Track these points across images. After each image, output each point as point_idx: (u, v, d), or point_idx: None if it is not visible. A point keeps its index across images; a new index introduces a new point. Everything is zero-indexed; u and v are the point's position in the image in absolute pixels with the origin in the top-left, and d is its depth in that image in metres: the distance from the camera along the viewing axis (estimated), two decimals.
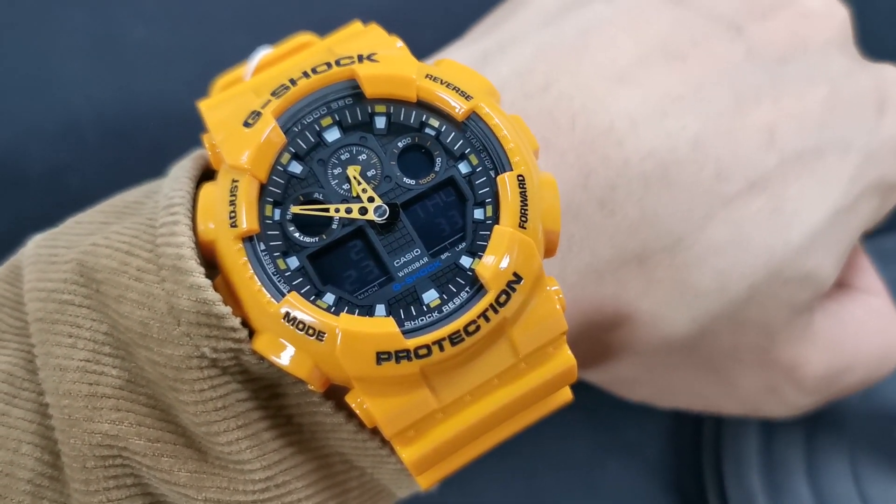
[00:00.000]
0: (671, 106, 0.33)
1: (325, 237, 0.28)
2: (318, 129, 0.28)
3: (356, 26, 0.31)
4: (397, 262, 0.27)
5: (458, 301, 0.27)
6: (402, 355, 0.26)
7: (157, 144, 0.49)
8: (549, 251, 0.28)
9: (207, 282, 0.27)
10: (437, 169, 0.28)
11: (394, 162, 0.28)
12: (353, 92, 0.29)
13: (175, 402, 0.27)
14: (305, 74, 0.28)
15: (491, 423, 0.28)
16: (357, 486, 0.31)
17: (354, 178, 0.28)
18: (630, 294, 0.33)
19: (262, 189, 0.28)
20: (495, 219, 0.28)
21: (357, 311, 0.27)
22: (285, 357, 0.26)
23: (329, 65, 0.29)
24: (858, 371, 0.37)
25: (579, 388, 0.29)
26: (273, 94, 0.28)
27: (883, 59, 0.39)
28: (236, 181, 0.27)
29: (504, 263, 0.27)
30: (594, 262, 0.32)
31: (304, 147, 0.28)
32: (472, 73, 0.30)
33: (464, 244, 0.28)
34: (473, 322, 0.26)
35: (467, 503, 0.45)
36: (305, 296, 0.27)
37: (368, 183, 0.28)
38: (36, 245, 0.30)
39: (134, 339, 0.27)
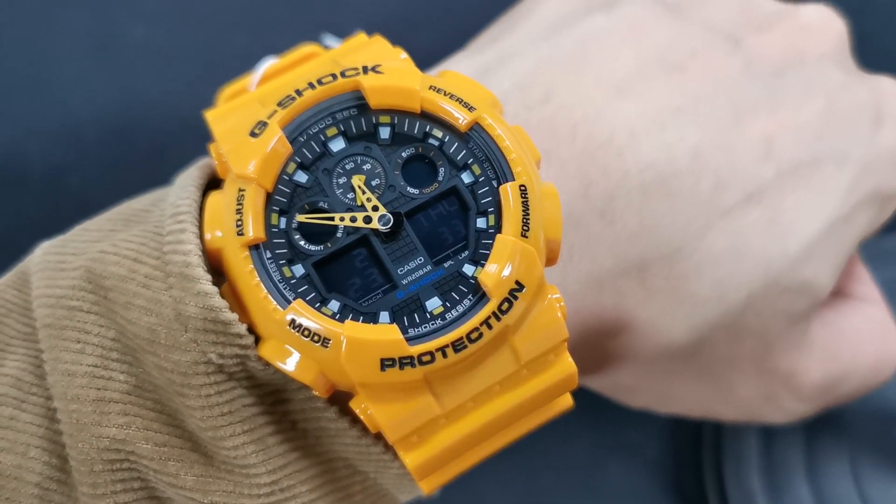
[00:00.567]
0: (670, 118, 0.33)
1: (329, 245, 0.28)
2: (323, 139, 0.29)
3: (361, 38, 0.32)
4: (401, 270, 0.28)
5: (460, 309, 0.27)
6: (405, 362, 0.26)
7: (156, 144, 0.49)
8: (551, 260, 0.29)
9: (214, 289, 0.27)
10: (440, 178, 0.29)
11: (398, 171, 0.29)
12: (358, 103, 0.29)
13: (182, 407, 0.28)
14: (311, 85, 0.29)
15: (493, 428, 0.28)
16: (360, 491, 0.31)
17: (359, 187, 0.28)
18: (629, 303, 0.33)
19: (269, 198, 0.28)
20: (497, 228, 0.28)
21: (361, 318, 0.27)
22: (291, 363, 0.27)
23: (334, 76, 0.29)
24: (855, 379, 0.37)
25: (579, 389, 0.30)
26: (279, 104, 0.29)
27: (880, 68, 0.39)
28: (243, 190, 0.27)
29: (506, 272, 0.27)
30: (594, 271, 0.33)
31: (310, 157, 0.29)
32: (475, 85, 0.30)
33: (466, 253, 0.28)
34: (476, 329, 0.27)
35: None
36: (311, 303, 0.27)
37: (373, 192, 0.28)
38: (44, 252, 0.30)
39: (141, 345, 0.28)
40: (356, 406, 0.27)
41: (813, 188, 0.34)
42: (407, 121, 0.29)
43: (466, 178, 0.29)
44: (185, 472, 0.28)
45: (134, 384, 0.28)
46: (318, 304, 0.27)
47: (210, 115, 0.30)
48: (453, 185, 0.29)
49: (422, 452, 0.28)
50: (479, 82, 0.33)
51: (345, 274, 0.28)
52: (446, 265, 0.28)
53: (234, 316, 0.27)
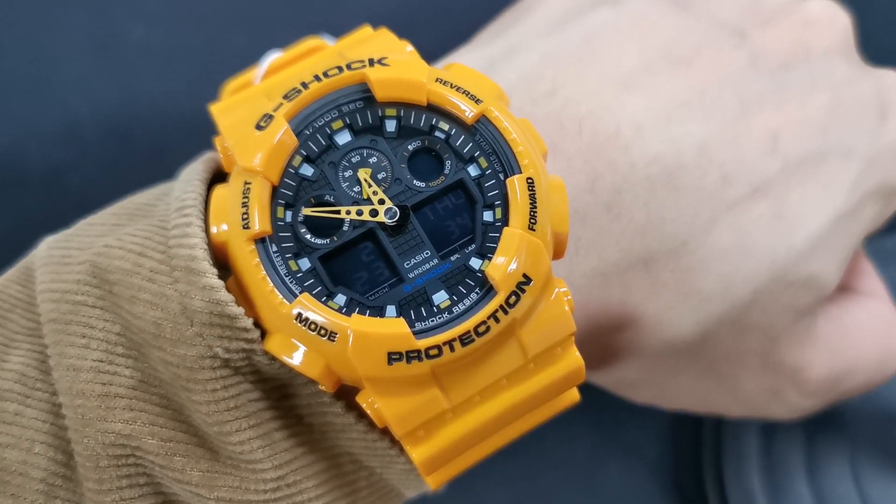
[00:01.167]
0: (676, 112, 0.33)
1: (336, 239, 0.28)
2: (329, 132, 0.29)
3: (366, 30, 0.32)
4: (407, 264, 0.28)
5: (467, 302, 0.27)
6: (412, 356, 0.26)
7: (157, 144, 0.49)
8: (558, 253, 0.29)
9: (220, 283, 0.27)
10: (446, 172, 0.29)
11: (404, 165, 0.29)
12: (364, 95, 0.29)
13: (187, 401, 0.27)
14: (317, 78, 0.29)
15: (500, 423, 0.28)
16: (366, 486, 0.31)
17: (365, 180, 0.28)
18: (635, 297, 0.33)
19: (274, 191, 0.28)
20: (505, 221, 0.28)
21: (368, 312, 0.27)
22: (297, 357, 0.27)
23: (340, 69, 0.29)
24: (860, 374, 0.37)
25: (581, 388, 0.30)
26: (285, 97, 0.28)
27: (883, 63, 0.39)
28: (249, 183, 0.27)
29: (514, 265, 0.27)
30: (601, 266, 0.33)
31: (316, 150, 0.28)
32: (482, 77, 0.30)
33: (473, 246, 0.28)
34: (483, 323, 0.27)
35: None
36: (317, 297, 0.27)
37: (379, 185, 0.28)
38: (48, 246, 0.30)
39: (147, 339, 0.27)
40: (363, 400, 0.27)
41: (819, 182, 0.34)
42: (413, 113, 0.29)
43: (473, 170, 0.29)
44: (191, 468, 0.28)
45: (139, 379, 0.28)
46: (325, 298, 0.27)
47: (215, 109, 0.30)
48: (460, 178, 0.28)
49: (429, 447, 0.28)
50: (486, 75, 0.33)
51: (351, 268, 0.28)
52: (453, 259, 0.28)
53: (240, 310, 0.27)
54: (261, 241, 0.27)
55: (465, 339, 0.26)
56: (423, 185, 0.28)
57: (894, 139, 0.36)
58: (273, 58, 0.31)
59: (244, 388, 0.28)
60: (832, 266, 0.35)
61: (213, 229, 0.28)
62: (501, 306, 0.27)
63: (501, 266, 0.27)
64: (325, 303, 0.27)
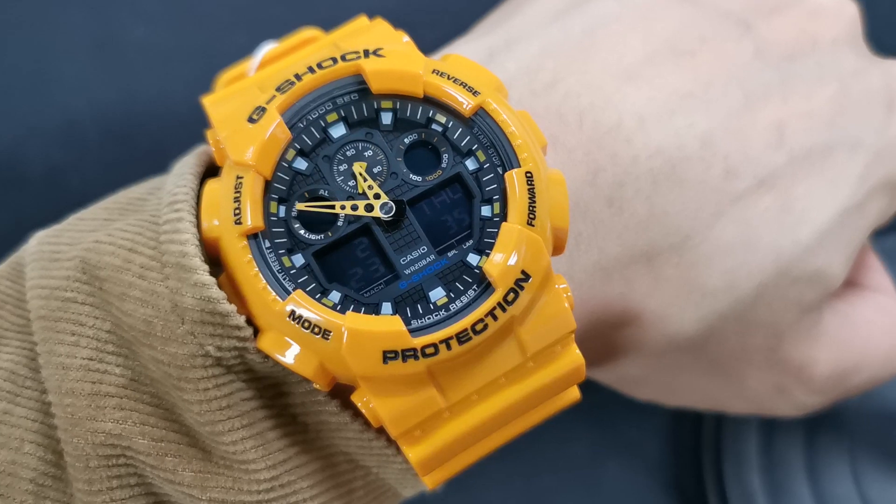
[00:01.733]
0: (679, 103, 0.33)
1: (330, 234, 0.27)
2: (323, 124, 0.28)
3: (362, 21, 0.31)
4: (404, 260, 0.27)
5: (465, 299, 0.27)
6: (408, 354, 0.26)
7: (157, 144, 0.48)
8: (558, 249, 0.28)
9: (212, 279, 0.26)
10: (443, 165, 0.28)
11: (400, 158, 0.28)
12: (359, 87, 0.28)
13: (179, 401, 0.27)
14: (311, 70, 0.28)
15: (498, 422, 0.28)
16: (362, 486, 0.31)
17: (360, 174, 0.28)
18: (638, 293, 0.33)
19: (267, 186, 0.27)
20: (503, 216, 0.27)
21: (363, 309, 0.27)
22: (290, 355, 0.26)
23: (335, 60, 0.28)
24: (867, 370, 0.37)
25: (581, 386, 0.29)
26: (278, 89, 0.28)
27: (891, 54, 0.38)
28: (241, 178, 0.27)
29: (512, 261, 0.26)
30: (602, 261, 0.32)
31: (310, 143, 0.28)
32: (480, 69, 0.29)
33: (471, 241, 0.27)
34: (481, 321, 0.26)
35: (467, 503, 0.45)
36: (311, 294, 0.26)
37: (374, 179, 0.28)
38: (38, 242, 0.30)
39: (137, 337, 0.27)
40: (358, 399, 0.27)
41: (825, 175, 0.34)
42: (409, 106, 0.28)
43: (471, 164, 0.28)
44: (183, 468, 0.27)
45: (130, 377, 0.27)
46: (319, 295, 0.27)
47: (207, 101, 0.29)
48: (457, 172, 0.28)
49: (425, 447, 0.27)
50: (485, 66, 0.33)
51: (346, 264, 0.27)
52: (450, 254, 0.27)
53: (231, 307, 0.26)
54: (253, 236, 0.27)
55: (462, 337, 0.26)
56: (419, 179, 0.28)
57: None
58: (267, 49, 0.31)
59: (237, 386, 0.27)
60: (839, 261, 0.34)
61: (205, 224, 0.27)
62: (499, 303, 0.26)
63: (499, 262, 0.26)
64: (319, 300, 0.26)
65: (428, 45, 0.37)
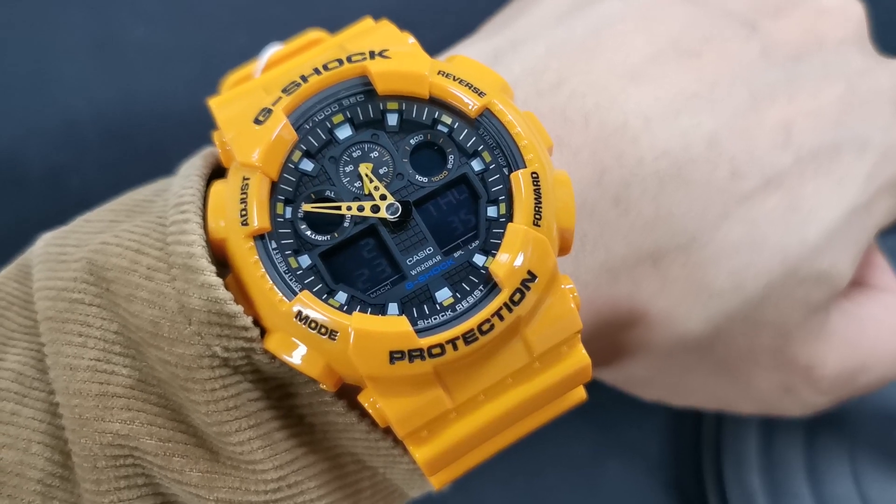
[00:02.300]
0: (685, 104, 0.33)
1: (336, 235, 0.27)
2: (329, 126, 0.28)
3: (367, 22, 0.31)
4: (410, 261, 0.27)
5: (471, 300, 0.27)
6: (415, 354, 0.26)
7: (157, 144, 0.49)
8: (564, 249, 0.28)
9: (218, 280, 0.27)
10: (449, 166, 0.28)
11: (406, 159, 0.28)
12: (365, 89, 0.28)
13: (186, 401, 0.27)
14: (317, 71, 0.28)
15: (505, 422, 0.28)
16: (369, 486, 0.31)
17: (366, 175, 0.28)
18: (644, 293, 0.33)
19: (274, 187, 0.27)
20: (509, 216, 0.27)
21: (369, 309, 0.27)
22: (297, 356, 0.26)
23: (340, 61, 0.28)
24: (875, 370, 0.37)
25: (583, 387, 0.29)
26: (284, 90, 0.28)
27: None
28: (247, 179, 0.27)
29: (518, 261, 0.26)
30: (608, 261, 0.32)
31: (316, 144, 0.28)
32: (485, 70, 0.29)
33: (477, 242, 0.27)
34: (487, 321, 0.26)
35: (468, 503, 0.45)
36: (317, 294, 0.26)
37: (380, 181, 0.28)
38: (45, 243, 0.30)
39: (144, 338, 0.27)
40: (364, 400, 0.27)
41: (832, 175, 0.34)
42: (415, 107, 0.28)
43: (476, 165, 0.28)
44: (191, 468, 0.27)
45: (137, 378, 0.27)
46: (326, 296, 0.27)
47: (213, 103, 0.29)
48: (463, 173, 0.28)
49: (432, 447, 0.27)
50: (490, 67, 0.33)
51: (352, 265, 0.27)
52: (456, 255, 0.27)
53: (238, 308, 0.26)
54: (260, 237, 0.27)
55: (468, 338, 0.26)
56: (425, 180, 0.28)
57: None
58: (273, 51, 0.31)
59: (244, 387, 0.27)
60: (846, 261, 0.34)
61: (212, 226, 0.27)
62: (506, 304, 0.26)
63: (505, 263, 0.26)
64: (325, 300, 0.26)
65: (429, 44, 0.37)
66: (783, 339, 0.35)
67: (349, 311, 0.26)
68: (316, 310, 0.26)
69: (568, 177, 0.28)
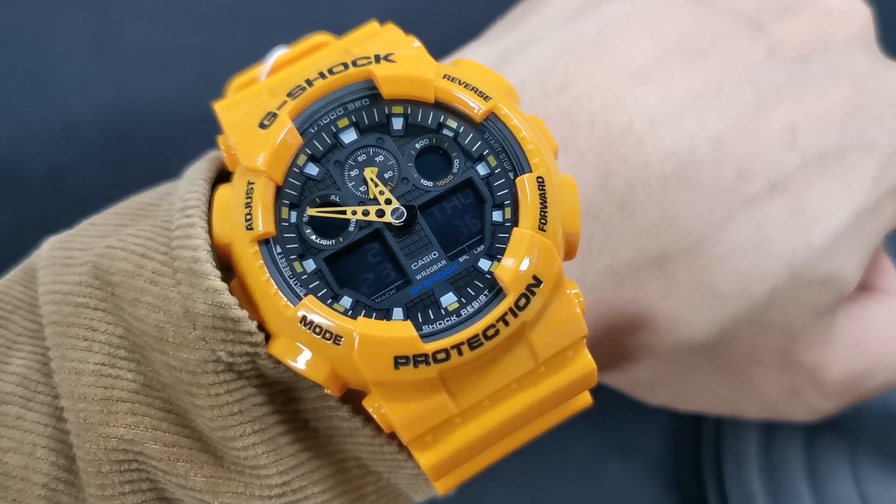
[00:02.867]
0: (691, 105, 0.33)
1: (341, 240, 0.27)
2: (334, 130, 0.28)
3: (373, 26, 0.31)
4: (415, 265, 0.27)
5: (476, 305, 0.27)
6: (420, 360, 0.26)
7: (156, 144, 0.48)
8: (569, 254, 0.28)
9: (223, 285, 0.26)
10: (455, 170, 0.28)
11: (411, 163, 0.28)
12: (370, 93, 0.28)
13: (191, 406, 0.27)
14: (322, 75, 0.28)
15: (510, 427, 0.28)
16: (374, 491, 0.31)
17: (371, 179, 0.28)
18: (650, 296, 0.33)
19: (279, 191, 0.27)
20: (514, 221, 0.27)
21: (374, 314, 0.27)
22: (302, 361, 0.26)
23: (346, 65, 0.28)
24: (882, 374, 0.37)
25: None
26: (289, 94, 0.28)
27: None
28: (252, 183, 0.27)
29: (523, 266, 0.26)
30: (614, 265, 0.32)
31: (321, 148, 0.28)
32: (491, 74, 0.29)
33: (482, 247, 0.27)
34: (492, 326, 0.26)
35: None
36: (322, 299, 0.26)
37: (385, 185, 0.28)
38: (51, 247, 0.30)
39: (149, 342, 0.27)
40: (369, 405, 0.27)
41: (839, 178, 0.34)
42: (420, 111, 0.28)
43: (482, 169, 0.28)
44: (195, 473, 0.27)
45: (142, 383, 0.27)
46: (330, 301, 0.27)
47: (219, 106, 0.29)
48: (468, 178, 0.28)
49: (437, 452, 0.27)
50: (497, 68, 0.33)
51: (357, 269, 0.27)
52: (461, 260, 0.27)
53: (243, 313, 0.26)
54: (265, 242, 0.27)
55: (473, 343, 0.26)
56: (430, 184, 0.28)
57: None
58: (279, 54, 0.31)
59: (248, 392, 0.27)
60: (852, 264, 0.34)
61: (217, 230, 0.27)
62: (511, 309, 0.26)
63: (511, 267, 0.26)
64: (330, 305, 0.26)
65: (429, 44, 0.37)
66: (789, 343, 0.34)
67: (354, 316, 0.26)
68: (321, 314, 0.26)
69: (574, 181, 0.28)
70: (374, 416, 0.27)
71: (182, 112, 0.48)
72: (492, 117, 0.28)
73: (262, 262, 0.26)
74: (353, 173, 0.28)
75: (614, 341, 0.34)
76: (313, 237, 0.27)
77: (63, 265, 0.29)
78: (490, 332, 0.26)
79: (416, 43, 0.30)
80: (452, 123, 0.28)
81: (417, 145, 0.28)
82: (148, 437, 0.27)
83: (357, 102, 0.28)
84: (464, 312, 0.27)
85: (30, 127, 0.49)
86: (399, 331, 0.26)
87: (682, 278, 0.32)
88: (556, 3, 0.36)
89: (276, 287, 0.26)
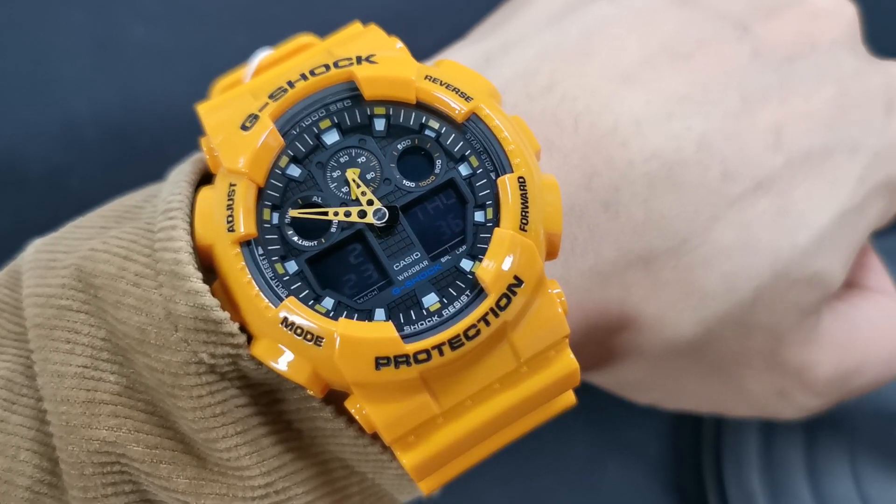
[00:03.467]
0: (676, 106, 0.33)
1: (324, 241, 0.27)
2: (316, 131, 0.28)
3: (356, 27, 0.31)
4: (397, 266, 0.27)
5: (458, 305, 0.27)
6: (401, 360, 0.26)
7: (156, 145, 0.48)
8: (551, 254, 0.28)
9: (205, 287, 0.27)
10: (437, 171, 0.28)
11: (393, 164, 0.28)
12: (352, 94, 0.28)
13: (173, 408, 0.27)
14: (303, 77, 0.28)
15: (492, 427, 0.28)
16: (358, 492, 0.31)
17: (353, 180, 0.28)
18: (635, 297, 0.33)
19: (260, 193, 0.27)
20: (496, 221, 0.27)
21: (356, 315, 0.27)
22: (283, 362, 0.26)
23: (327, 66, 0.28)
24: (869, 372, 0.37)
25: (579, 388, 0.29)
26: (271, 96, 0.28)
27: (890, 57, 0.38)
28: (234, 185, 0.27)
29: (505, 266, 0.26)
30: (598, 265, 0.32)
31: (303, 150, 0.28)
32: (473, 74, 0.29)
33: (464, 247, 0.27)
34: (473, 326, 0.26)
35: None
36: (304, 300, 0.26)
37: (368, 186, 0.28)
38: (35, 250, 0.30)
39: (132, 344, 0.27)
40: (351, 406, 0.27)
41: (824, 177, 0.34)
42: (402, 112, 0.28)
43: (464, 170, 0.28)
44: (178, 475, 0.27)
45: (125, 385, 0.27)
46: (312, 302, 0.27)
47: (201, 108, 0.29)
48: (450, 178, 0.28)
49: (419, 452, 0.27)
50: (482, 70, 0.33)
51: (339, 270, 0.27)
52: (443, 260, 0.27)
53: (225, 314, 0.26)
54: (246, 244, 0.27)
55: (454, 343, 0.26)
56: (413, 184, 0.28)
57: None
58: (263, 55, 0.31)
59: (230, 393, 0.27)
60: (838, 263, 0.34)
61: (199, 232, 0.27)
62: (492, 309, 0.26)
63: (492, 268, 0.26)
64: (311, 306, 0.26)
65: (428, 46, 0.37)
66: (776, 342, 0.34)
67: (335, 317, 0.26)
68: (302, 316, 0.26)
69: (556, 181, 0.28)
70: (357, 417, 0.27)
71: (182, 112, 0.48)
72: (473, 118, 0.28)
73: (243, 263, 0.26)
74: (335, 174, 0.28)
75: (600, 341, 0.34)
76: (295, 238, 0.27)
77: (47, 268, 0.29)
78: (471, 333, 0.26)
79: (399, 44, 0.30)
80: (434, 124, 0.28)
81: (400, 146, 0.28)
82: (130, 439, 0.27)
83: (339, 104, 0.28)
84: (445, 313, 0.27)
85: (30, 127, 0.49)
86: (380, 331, 0.26)
87: (667, 278, 0.32)
88: (540, 4, 0.36)
89: (257, 288, 0.26)
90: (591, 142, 0.32)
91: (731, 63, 0.34)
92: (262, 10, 0.51)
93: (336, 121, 0.28)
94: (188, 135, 0.39)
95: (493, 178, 0.28)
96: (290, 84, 0.28)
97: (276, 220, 0.27)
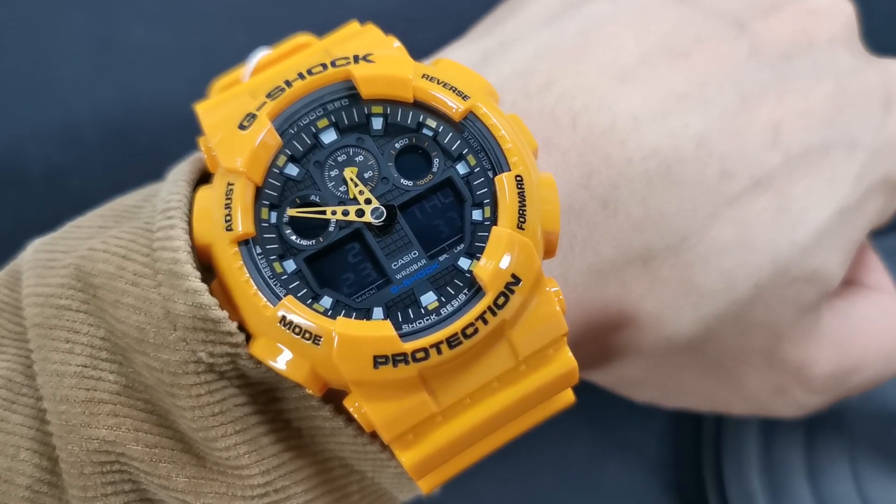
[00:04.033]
0: (674, 104, 0.33)
1: (321, 240, 0.27)
2: (314, 130, 0.28)
3: (353, 27, 0.31)
4: (395, 265, 0.27)
5: (456, 303, 0.27)
6: (399, 359, 0.26)
7: (156, 145, 0.49)
8: (549, 252, 0.28)
9: (203, 286, 0.27)
10: (434, 170, 0.28)
11: (391, 163, 0.28)
12: (350, 93, 0.28)
13: (172, 407, 0.27)
14: (301, 76, 0.28)
15: (491, 426, 0.28)
16: (357, 491, 0.31)
17: (351, 179, 0.28)
18: (634, 294, 0.33)
19: (258, 192, 0.27)
20: (493, 220, 0.27)
21: (354, 314, 0.27)
22: (282, 361, 0.26)
23: (325, 66, 0.28)
24: (868, 370, 0.37)
25: (579, 387, 0.29)
26: (268, 95, 0.28)
27: (888, 55, 0.38)
28: (232, 184, 0.27)
29: (503, 265, 0.26)
30: (597, 263, 0.32)
31: (301, 149, 0.28)
32: (470, 73, 0.29)
33: (462, 246, 0.27)
34: (471, 325, 0.26)
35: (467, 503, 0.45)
36: (302, 299, 0.26)
37: (365, 185, 0.28)
38: (35, 250, 0.30)
39: (131, 344, 0.27)
40: (349, 404, 0.27)
41: (822, 175, 0.34)
42: (400, 111, 0.28)
43: (461, 168, 0.28)
44: (177, 474, 0.27)
45: (124, 384, 0.28)
46: (310, 301, 0.27)
47: (200, 107, 0.29)
48: (448, 177, 0.28)
49: (418, 451, 0.27)
50: (480, 69, 0.33)
51: (337, 269, 0.27)
52: (441, 259, 0.27)
53: (223, 313, 0.26)
54: (244, 243, 0.27)
55: (452, 342, 0.26)
56: (410, 183, 0.28)
57: None
58: (261, 55, 0.31)
59: (229, 392, 0.27)
60: (836, 260, 0.34)
61: (197, 231, 0.27)
62: (490, 307, 0.26)
63: (490, 266, 0.26)
64: (310, 305, 0.26)
65: (425, 45, 0.37)
66: (774, 340, 0.34)
67: (334, 316, 0.26)
68: (300, 315, 0.26)
69: (553, 179, 0.28)
70: (355, 416, 0.27)
71: (182, 112, 0.48)
72: (470, 116, 0.28)
73: (241, 262, 0.27)
74: (332, 173, 0.28)
75: (598, 339, 0.34)
76: (293, 237, 0.27)
77: (46, 267, 0.29)
78: (469, 331, 0.26)
79: (396, 43, 0.30)
80: (432, 123, 0.28)
81: (397, 145, 0.28)
82: (130, 439, 0.27)
83: (336, 103, 0.28)
84: (443, 311, 0.27)
85: (30, 127, 0.49)
86: (378, 330, 0.26)
87: (666, 276, 0.32)
88: (538, 3, 0.36)
89: (255, 287, 0.26)
90: (589, 140, 0.32)
91: (729, 61, 0.34)
92: (261, 10, 0.51)
93: (334, 120, 0.28)
94: (188, 135, 0.39)
95: (491, 176, 0.28)
96: (288, 83, 0.28)
97: (274, 220, 0.27)
